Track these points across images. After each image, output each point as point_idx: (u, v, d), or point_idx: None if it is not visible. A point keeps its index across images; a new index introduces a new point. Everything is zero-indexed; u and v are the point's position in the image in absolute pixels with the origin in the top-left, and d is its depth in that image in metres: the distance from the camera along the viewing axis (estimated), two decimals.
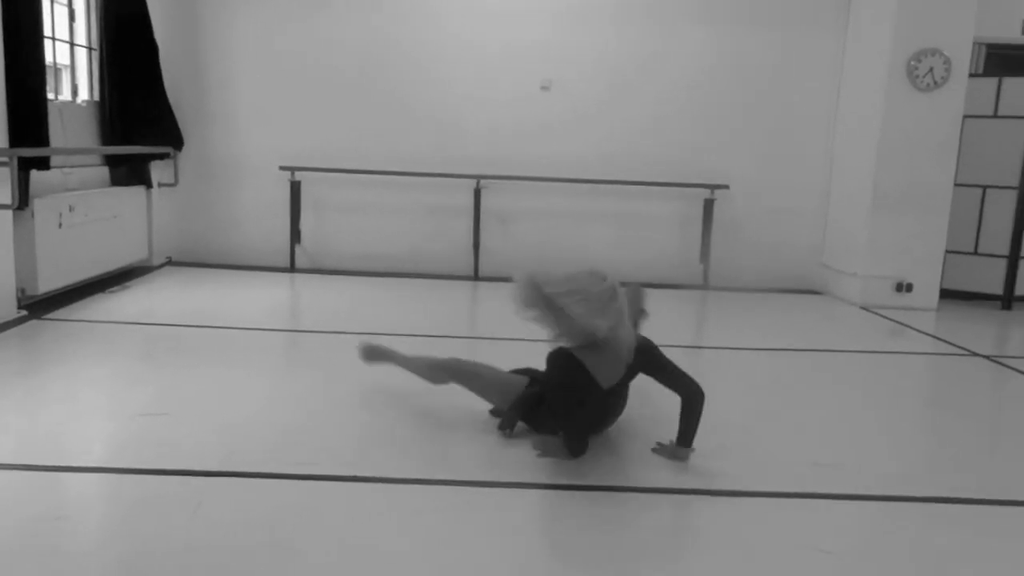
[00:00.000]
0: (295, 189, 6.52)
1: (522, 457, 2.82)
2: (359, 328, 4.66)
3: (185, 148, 6.52)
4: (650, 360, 2.83)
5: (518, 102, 6.53)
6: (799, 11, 6.44)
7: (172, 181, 6.49)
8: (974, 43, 6.43)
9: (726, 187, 6.46)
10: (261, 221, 6.68)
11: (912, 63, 5.69)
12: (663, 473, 2.73)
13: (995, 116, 5.95)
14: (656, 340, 4.89)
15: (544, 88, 6.53)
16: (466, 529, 2.29)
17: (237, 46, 6.47)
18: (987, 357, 4.57)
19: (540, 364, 2.96)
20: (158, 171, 6.35)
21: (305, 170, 6.49)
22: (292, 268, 6.62)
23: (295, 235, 6.61)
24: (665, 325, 5.24)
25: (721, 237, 6.56)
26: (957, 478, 2.84)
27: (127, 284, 5.64)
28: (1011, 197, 5.95)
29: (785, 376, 4.16)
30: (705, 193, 6.48)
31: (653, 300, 6.10)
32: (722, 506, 2.53)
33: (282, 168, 6.47)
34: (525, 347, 4.42)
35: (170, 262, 6.59)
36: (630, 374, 2.86)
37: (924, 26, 5.67)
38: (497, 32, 6.44)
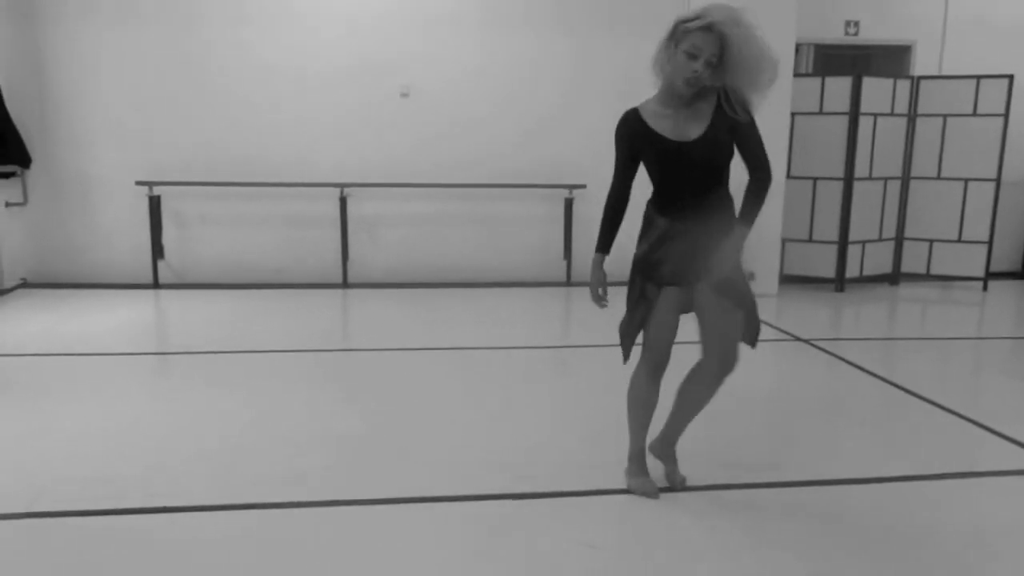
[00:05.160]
0: (154, 204, 6.41)
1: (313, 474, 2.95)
2: (229, 347, 4.70)
3: (34, 166, 6.32)
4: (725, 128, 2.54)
5: (380, 109, 6.60)
6: (645, 18, 6.73)
7: (21, 200, 6.29)
8: (804, 44, 6.93)
9: (583, 187, 6.74)
10: (121, 238, 6.54)
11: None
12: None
13: (820, 112, 6.42)
14: (528, 341, 5.10)
15: (404, 95, 6.63)
16: (277, 555, 2.41)
17: (83, 60, 6.29)
18: (807, 341, 5.00)
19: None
20: (5, 191, 6.13)
21: (163, 184, 6.39)
22: (156, 284, 6.51)
23: (157, 250, 6.50)
24: (537, 323, 5.56)
25: (582, 234, 6.84)
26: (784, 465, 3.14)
27: None
28: (838, 188, 6.45)
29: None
30: (564, 193, 6.75)
31: (522, 299, 6.38)
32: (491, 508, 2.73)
33: (139, 183, 6.36)
34: (405, 356, 4.59)
35: (25, 284, 6.38)
36: (717, 131, 2.54)
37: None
38: (356, 39, 6.49)
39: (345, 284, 6.68)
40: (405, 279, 6.75)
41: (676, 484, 2.85)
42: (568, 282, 6.83)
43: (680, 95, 2.56)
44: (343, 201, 6.58)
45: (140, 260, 6.53)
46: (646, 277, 2.68)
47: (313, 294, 6.38)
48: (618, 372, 4.16)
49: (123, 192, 6.42)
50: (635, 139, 2.67)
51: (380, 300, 6.25)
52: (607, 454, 3.06)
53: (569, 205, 6.76)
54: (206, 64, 6.40)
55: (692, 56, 2.44)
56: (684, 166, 2.60)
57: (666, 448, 2.90)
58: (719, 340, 2.66)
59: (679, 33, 2.48)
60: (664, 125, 2.61)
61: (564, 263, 6.84)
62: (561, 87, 6.74)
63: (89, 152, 6.41)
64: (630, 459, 2.87)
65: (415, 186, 6.62)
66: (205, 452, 3.11)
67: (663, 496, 2.77)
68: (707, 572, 2.30)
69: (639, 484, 2.81)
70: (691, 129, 2.57)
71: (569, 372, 4.56)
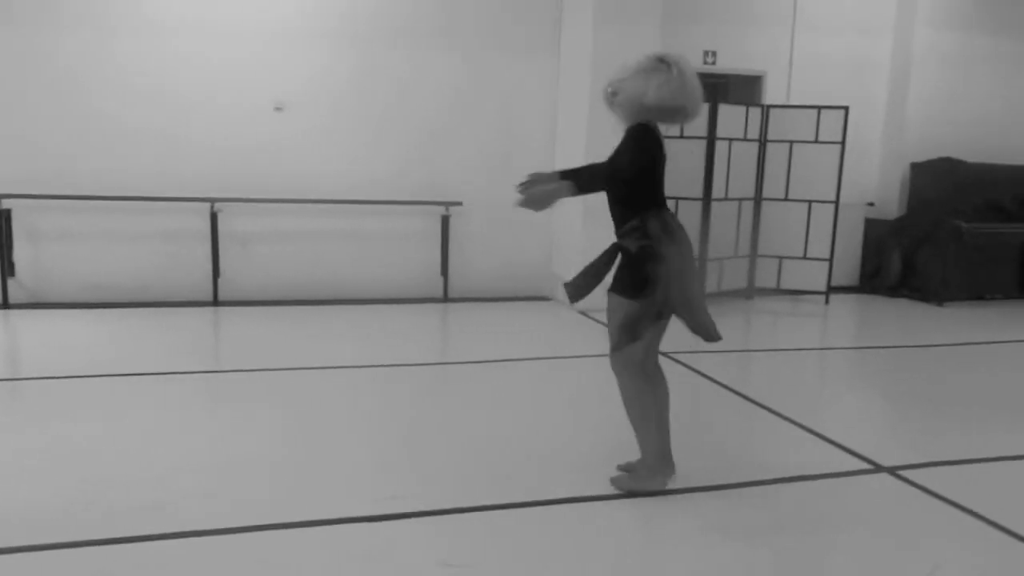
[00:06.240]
0: (5, 218, 6.03)
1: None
2: (90, 371, 4.49)
3: None
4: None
5: (253, 123, 6.49)
6: (520, 39, 6.97)
7: None
8: None
9: (459, 204, 6.87)
10: None
11: (609, 89, 6.37)
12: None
13: (681, 136, 6.83)
14: (406, 358, 5.11)
15: (278, 109, 6.55)
16: None
17: None
18: (665, 355, 5.31)
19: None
20: None
21: (13, 197, 6.02)
22: (5, 304, 6.11)
23: (7, 268, 6.11)
24: (411, 341, 5.62)
25: (459, 251, 6.97)
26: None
27: None
28: (697, 208, 6.89)
29: (506, 388, 4.59)
30: (441, 210, 6.85)
31: (399, 315, 6.41)
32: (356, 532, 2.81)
33: None
34: (282, 376, 4.53)
35: None
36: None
37: (616, 55, 6.34)
38: (224, 51, 6.35)
39: (216, 302, 6.50)
40: (279, 296, 6.65)
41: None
42: (445, 298, 6.94)
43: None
44: (214, 216, 6.41)
45: None
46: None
47: (181, 312, 6.18)
48: (499, 388, 4.29)
49: None
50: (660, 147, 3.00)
51: (253, 318, 6.14)
52: (486, 469, 3.17)
53: (446, 222, 6.87)
54: (63, 74, 6.09)
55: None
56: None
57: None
58: None
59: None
60: None
61: (441, 279, 6.94)
62: (439, 105, 6.85)
63: None
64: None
65: (289, 202, 6.54)
66: (64, 488, 2.99)
67: (519, 512, 2.91)
68: None
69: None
70: None
71: (450, 390, 4.65)
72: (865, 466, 3.40)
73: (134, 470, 3.17)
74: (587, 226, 6.57)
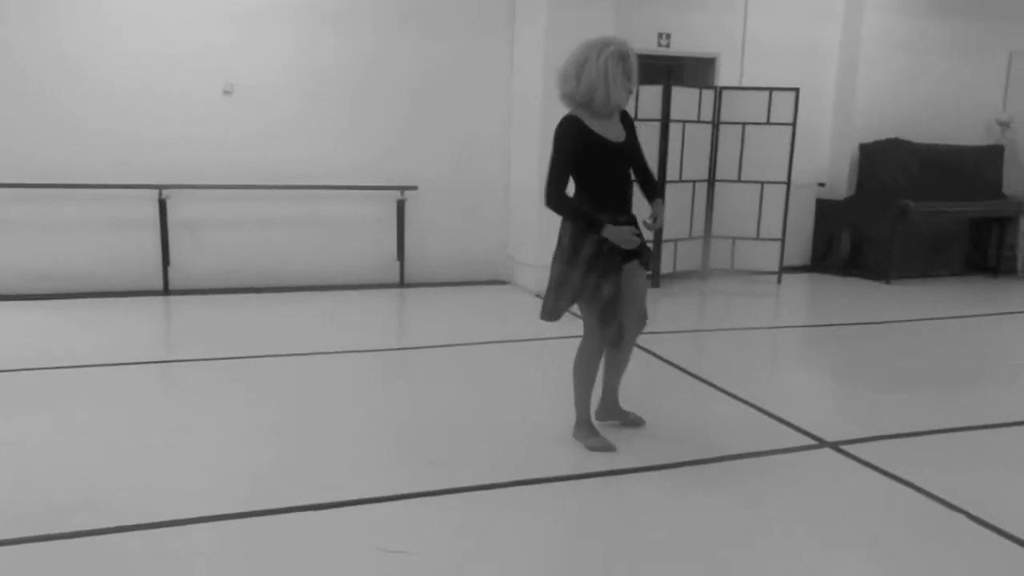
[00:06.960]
0: None
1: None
2: (34, 363, 4.38)
3: None
4: (632, 132, 3.32)
5: (201, 107, 6.35)
6: (474, 22, 6.91)
7: None
8: None
9: (415, 188, 6.82)
10: None
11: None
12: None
13: (636, 119, 6.84)
14: (362, 344, 5.07)
15: (227, 92, 6.42)
16: None
17: None
18: None
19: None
20: None
21: None
22: None
23: None
24: (367, 327, 5.58)
25: (415, 236, 6.93)
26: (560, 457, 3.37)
27: None
28: None
29: (467, 370, 4.60)
30: (396, 195, 6.80)
31: (356, 302, 6.38)
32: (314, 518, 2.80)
33: None
34: (224, 366, 4.47)
35: None
36: (629, 139, 3.30)
37: (569, 39, 6.33)
38: (170, 35, 6.19)
39: (166, 291, 6.38)
40: (231, 284, 6.54)
41: (638, 422, 3.55)
42: (401, 284, 6.90)
43: (618, 106, 3.21)
44: (163, 203, 6.28)
45: None
46: (606, 269, 3.13)
47: (130, 302, 6.06)
48: (457, 372, 4.30)
49: None
50: (580, 136, 3.14)
51: (206, 306, 6.05)
52: (436, 453, 3.18)
53: (401, 207, 6.82)
54: (6, 61, 5.88)
55: (628, 76, 3.13)
56: (619, 163, 3.24)
57: (613, 408, 3.55)
58: (640, 301, 3.32)
59: (616, 57, 3.09)
60: (601, 129, 3.18)
61: (397, 264, 6.90)
62: (394, 90, 6.76)
63: None
64: (579, 425, 3.37)
65: (238, 187, 6.43)
66: (9, 485, 2.93)
67: (462, 497, 2.93)
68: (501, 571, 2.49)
69: (597, 442, 3.31)
70: (615, 135, 3.23)
71: (407, 375, 4.63)
72: (809, 442, 3.48)
73: (77, 464, 3.11)
74: (543, 208, 6.58)
